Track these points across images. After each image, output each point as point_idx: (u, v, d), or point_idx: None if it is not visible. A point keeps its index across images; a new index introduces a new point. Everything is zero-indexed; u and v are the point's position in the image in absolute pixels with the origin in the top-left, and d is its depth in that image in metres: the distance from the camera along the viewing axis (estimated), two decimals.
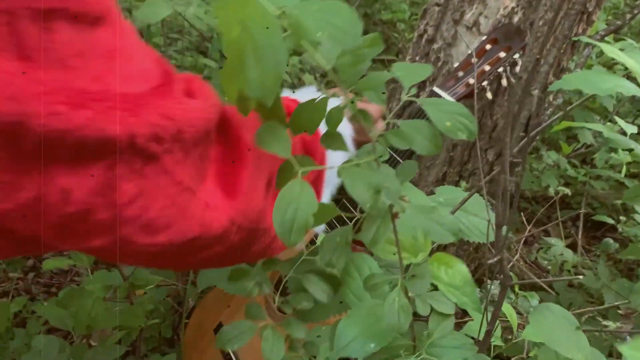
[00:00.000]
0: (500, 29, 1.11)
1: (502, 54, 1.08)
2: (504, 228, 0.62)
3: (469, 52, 1.13)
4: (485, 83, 1.08)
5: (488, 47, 1.10)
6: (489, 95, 1.12)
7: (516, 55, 1.08)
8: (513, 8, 1.13)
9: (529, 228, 1.60)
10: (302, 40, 0.41)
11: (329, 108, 0.50)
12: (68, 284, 1.64)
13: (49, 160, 0.38)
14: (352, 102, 0.49)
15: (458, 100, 1.08)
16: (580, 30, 1.19)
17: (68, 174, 0.40)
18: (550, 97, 1.29)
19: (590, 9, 1.16)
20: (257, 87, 0.40)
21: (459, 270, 0.68)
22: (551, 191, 1.33)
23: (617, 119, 0.77)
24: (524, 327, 0.97)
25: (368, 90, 0.51)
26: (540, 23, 1.14)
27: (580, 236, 1.61)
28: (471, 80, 1.08)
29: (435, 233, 0.56)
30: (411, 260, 0.66)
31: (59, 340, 1.08)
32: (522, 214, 1.79)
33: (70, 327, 1.07)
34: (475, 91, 1.08)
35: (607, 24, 1.89)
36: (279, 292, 0.83)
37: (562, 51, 1.20)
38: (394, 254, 0.61)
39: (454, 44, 1.22)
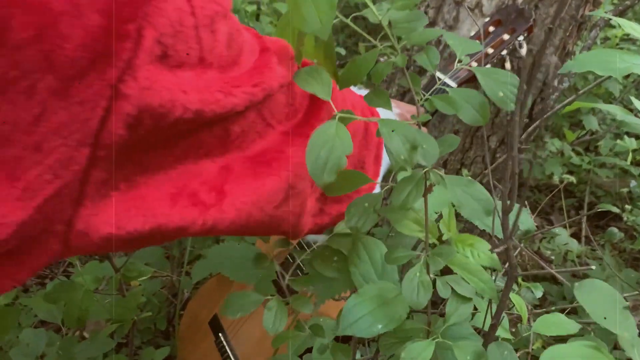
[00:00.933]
0: (504, 11, 1.07)
1: (506, 36, 1.04)
2: (511, 215, 0.59)
3: (471, 34, 1.09)
4: (488, 66, 1.04)
5: (491, 29, 1.06)
6: (508, 65, 1.08)
7: (520, 38, 1.04)
8: None
9: (532, 217, 1.57)
10: None
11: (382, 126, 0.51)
12: (62, 275, 1.61)
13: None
14: (403, 56, 0.52)
15: (460, 85, 1.04)
16: (587, 12, 1.15)
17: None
18: (555, 82, 1.25)
19: None
20: (314, 22, 0.45)
21: (486, 252, 0.65)
22: (555, 179, 1.29)
23: (633, 99, 0.73)
24: (528, 320, 0.94)
25: (420, 43, 0.54)
26: (546, 4, 1.10)
27: (584, 225, 1.57)
28: (474, 64, 1.04)
29: (470, 209, 0.53)
30: (433, 241, 0.62)
31: (49, 333, 1.05)
32: (525, 203, 1.76)
33: (59, 320, 1.04)
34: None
35: (615, 6, 1.84)
36: (290, 272, 0.80)
37: (567, 34, 1.15)
38: (418, 231, 0.58)
39: (456, 27, 1.17)
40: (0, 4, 0.32)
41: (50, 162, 0.37)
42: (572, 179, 1.21)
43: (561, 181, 1.29)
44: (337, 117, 0.49)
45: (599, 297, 0.53)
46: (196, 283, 1.32)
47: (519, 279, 1.14)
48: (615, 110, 0.73)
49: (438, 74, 1.06)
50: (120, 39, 0.37)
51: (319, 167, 0.46)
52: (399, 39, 0.54)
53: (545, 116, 0.82)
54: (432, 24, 1.22)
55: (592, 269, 0.60)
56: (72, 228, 0.41)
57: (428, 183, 0.54)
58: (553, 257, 1.57)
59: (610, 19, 1.10)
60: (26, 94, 0.34)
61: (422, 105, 0.56)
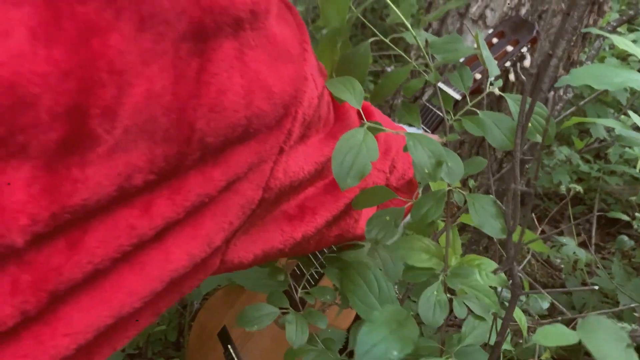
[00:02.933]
0: (507, 22, 1.07)
1: (510, 48, 1.05)
2: (516, 233, 0.59)
3: (475, 46, 1.10)
4: (492, 78, 1.04)
5: (495, 40, 1.06)
6: (497, 91, 1.08)
7: (524, 49, 1.04)
8: (520, 0, 1.09)
9: (540, 228, 1.56)
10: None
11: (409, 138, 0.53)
12: None
13: None
14: (436, 73, 0.56)
15: (470, 93, 1.04)
16: (591, 22, 1.15)
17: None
18: (561, 92, 1.25)
19: (601, 0, 1.12)
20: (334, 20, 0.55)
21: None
22: (562, 189, 1.29)
23: (631, 113, 0.74)
24: (534, 330, 0.94)
25: (454, 58, 0.58)
26: (549, 15, 1.10)
27: (594, 234, 1.56)
28: (477, 76, 1.04)
29: (490, 227, 0.54)
30: (438, 267, 0.63)
31: None
32: (533, 211, 1.75)
33: None
34: (483, 86, 1.04)
35: (620, 14, 1.84)
36: (301, 285, 0.81)
37: (572, 44, 1.16)
38: (426, 259, 0.59)
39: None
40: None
41: (243, 201, 0.48)
42: (579, 188, 1.21)
43: (568, 190, 1.28)
44: (365, 125, 0.51)
45: (602, 335, 0.53)
46: (205, 294, 1.33)
47: (526, 286, 1.14)
48: (614, 125, 0.73)
49: (441, 86, 1.07)
50: (289, 113, 0.49)
51: (344, 170, 0.48)
52: (433, 57, 0.56)
53: (545, 129, 0.82)
54: (436, 35, 1.23)
55: (594, 289, 0.60)
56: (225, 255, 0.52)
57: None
58: (563, 266, 1.56)
59: (615, 27, 1.10)
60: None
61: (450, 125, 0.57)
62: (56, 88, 0.33)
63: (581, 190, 1.24)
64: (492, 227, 0.53)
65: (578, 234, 1.81)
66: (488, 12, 1.13)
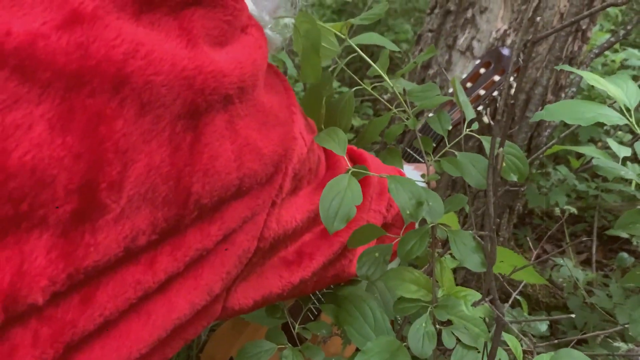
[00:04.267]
0: (493, 52, 1.11)
1: (497, 77, 1.08)
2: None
3: (463, 76, 1.13)
4: (481, 107, 1.08)
5: (482, 71, 1.10)
6: (486, 119, 1.12)
7: (511, 78, 1.08)
8: (505, 30, 1.13)
9: (541, 244, 1.58)
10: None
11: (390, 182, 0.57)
12: None
13: None
14: (414, 119, 0.60)
15: (455, 125, 1.08)
16: (576, 48, 1.19)
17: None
18: None
19: (584, 27, 1.16)
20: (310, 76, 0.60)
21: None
22: (556, 211, 1.31)
23: (609, 141, 0.77)
24: (531, 353, 0.96)
25: (430, 105, 0.61)
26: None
27: (594, 251, 1.58)
28: None
29: (471, 262, 0.57)
30: (427, 298, 0.66)
31: None
32: (534, 231, 1.77)
33: None
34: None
35: (612, 32, 1.88)
36: (299, 320, 0.84)
37: (559, 70, 1.19)
38: (415, 291, 0.62)
39: (449, 68, 1.22)
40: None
41: (239, 252, 0.52)
42: (574, 209, 1.23)
43: (563, 212, 1.31)
44: (349, 171, 0.55)
45: None
46: (213, 326, 1.36)
47: (525, 309, 1.16)
48: (591, 153, 0.76)
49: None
50: (280, 170, 0.54)
51: (331, 215, 0.52)
52: (412, 104, 0.60)
53: (532, 157, 0.85)
54: (426, 67, 1.27)
55: (571, 317, 0.63)
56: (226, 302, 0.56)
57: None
58: (565, 285, 1.57)
59: (598, 54, 1.13)
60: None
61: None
62: (70, 169, 0.38)
63: (575, 212, 1.26)
64: (473, 262, 0.56)
65: (580, 252, 1.82)
66: (475, 43, 1.17)
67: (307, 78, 0.59)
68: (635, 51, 1.68)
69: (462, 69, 1.19)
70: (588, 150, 0.79)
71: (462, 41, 1.18)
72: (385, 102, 0.59)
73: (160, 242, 0.46)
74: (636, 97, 0.68)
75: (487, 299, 0.59)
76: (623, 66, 1.77)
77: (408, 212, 0.52)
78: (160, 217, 0.44)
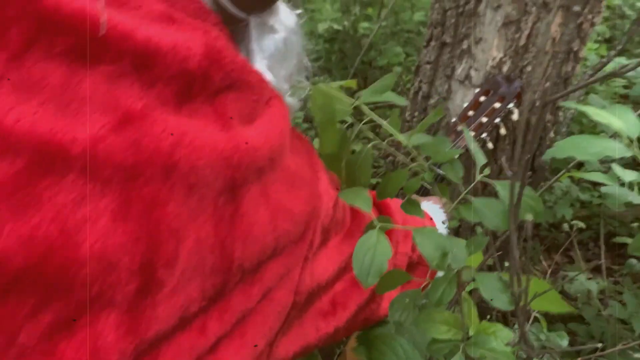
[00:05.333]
0: (492, 80, 1.15)
1: (497, 105, 1.12)
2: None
3: (464, 105, 1.17)
4: (484, 135, 1.11)
5: (482, 99, 1.14)
6: (490, 145, 1.15)
7: (510, 105, 1.12)
8: (501, 58, 1.17)
9: (556, 259, 1.61)
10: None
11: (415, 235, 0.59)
12: None
13: None
14: (430, 173, 0.64)
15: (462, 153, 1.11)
16: (569, 69, 1.23)
17: None
18: (552, 134, 1.32)
19: (575, 48, 1.20)
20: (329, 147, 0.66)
21: (507, 337, 0.70)
22: (565, 227, 1.34)
23: (614, 167, 0.80)
24: None
25: (442, 159, 0.64)
26: (529, 69, 1.18)
27: (603, 260, 1.61)
28: (471, 133, 1.12)
29: (499, 301, 0.60)
30: (457, 336, 0.69)
31: None
32: (542, 243, 1.80)
33: None
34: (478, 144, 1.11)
35: (605, 40, 1.93)
36: None
37: (555, 91, 1.23)
38: (446, 331, 0.65)
39: (449, 98, 1.26)
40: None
41: (279, 307, 0.56)
42: (582, 224, 1.26)
43: (571, 227, 1.34)
44: (377, 226, 0.57)
45: None
46: None
47: (544, 326, 1.18)
48: (600, 179, 0.79)
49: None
50: (309, 227, 0.58)
51: (364, 271, 0.54)
52: (428, 157, 0.64)
53: (548, 184, 0.88)
54: (426, 97, 1.31)
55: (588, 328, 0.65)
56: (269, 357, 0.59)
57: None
58: (579, 295, 1.60)
59: (592, 75, 1.17)
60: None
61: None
62: (131, 251, 0.42)
63: (583, 226, 1.29)
64: (501, 301, 0.59)
65: (589, 260, 1.85)
66: (473, 72, 1.21)
67: (327, 148, 0.62)
68: (623, 59, 1.73)
69: (462, 97, 1.23)
70: (597, 176, 0.82)
71: (460, 71, 1.22)
72: (402, 156, 0.63)
73: (208, 308, 0.49)
74: (637, 128, 0.72)
75: (520, 339, 0.61)
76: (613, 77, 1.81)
77: (435, 263, 0.55)
78: (208, 285, 0.48)
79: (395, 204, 0.74)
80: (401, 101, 0.65)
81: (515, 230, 0.55)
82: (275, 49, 0.61)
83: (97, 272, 0.41)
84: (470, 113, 1.14)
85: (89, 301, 0.41)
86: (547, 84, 1.21)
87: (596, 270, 1.76)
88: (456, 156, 0.69)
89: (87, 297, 0.41)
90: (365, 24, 2.51)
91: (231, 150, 0.47)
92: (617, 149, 0.69)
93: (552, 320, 1.53)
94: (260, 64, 0.59)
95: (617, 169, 0.85)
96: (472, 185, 0.63)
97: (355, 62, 2.03)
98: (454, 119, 1.16)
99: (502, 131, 1.14)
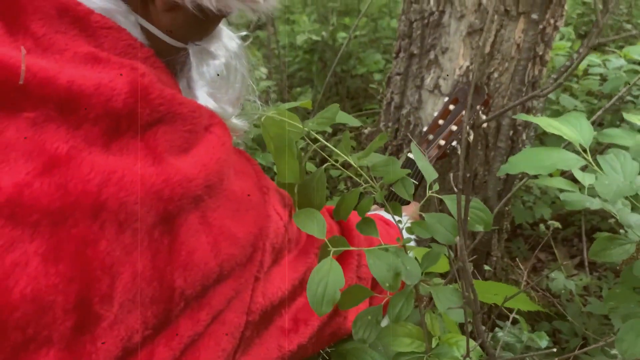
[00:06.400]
0: (460, 89, 1.18)
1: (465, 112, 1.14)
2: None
3: (434, 114, 1.20)
4: (455, 143, 1.14)
5: (451, 107, 1.16)
6: (459, 148, 1.18)
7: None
8: (468, 67, 1.20)
9: (535, 254, 1.63)
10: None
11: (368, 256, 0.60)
12: None
13: None
14: (381, 193, 0.65)
15: (432, 162, 1.13)
16: (536, 72, 1.26)
17: None
18: (524, 136, 1.34)
19: (540, 52, 1.22)
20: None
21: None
22: (542, 228, 1.36)
23: (574, 171, 0.82)
24: None
25: (392, 179, 0.66)
26: (496, 75, 1.20)
27: (585, 255, 1.63)
28: (442, 142, 1.14)
29: (456, 314, 0.62)
30: (421, 348, 0.70)
31: None
32: (527, 241, 1.83)
33: None
34: (447, 151, 1.14)
35: (580, 34, 1.96)
36: None
37: (523, 94, 1.26)
38: (409, 344, 0.67)
39: (420, 107, 1.28)
40: None
41: (231, 329, 0.57)
42: (557, 224, 1.29)
43: (548, 227, 1.36)
44: (330, 253, 0.58)
45: None
46: None
47: (525, 327, 1.20)
48: (559, 185, 0.82)
49: (411, 156, 1.16)
50: (258, 248, 0.59)
51: (318, 300, 0.55)
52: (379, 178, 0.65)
53: (513, 191, 0.90)
54: (399, 107, 1.33)
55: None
56: None
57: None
58: (563, 291, 1.62)
59: (556, 79, 1.20)
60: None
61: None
62: (65, 291, 0.44)
63: (559, 226, 1.31)
64: (457, 313, 0.61)
65: (574, 256, 1.87)
66: (441, 82, 1.23)
67: (285, 178, 0.64)
68: (594, 57, 1.76)
69: (432, 106, 1.26)
70: (557, 181, 0.84)
71: (429, 81, 1.25)
72: (355, 177, 0.65)
73: (155, 336, 0.50)
74: (590, 136, 0.74)
75: (477, 343, 0.63)
76: (586, 74, 1.84)
77: (388, 285, 0.57)
78: (149, 315, 0.49)
79: (356, 217, 0.76)
80: (355, 122, 0.66)
81: (465, 244, 0.57)
82: (216, 75, 0.62)
83: (30, 314, 0.42)
84: (441, 122, 1.16)
85: (23, 343, 0.42)
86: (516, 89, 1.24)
87: (581, 265, 1.79)
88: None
89: (22, 338, 0.42)
90: (343, 34, 2.54)
91: (162, 184, 0.48)
92: (570, 160, 0.71)
93: (537, 319, 1.54)
94: (201, 91, 0.61)
95: (577, 173, 0.87)
96: (424, 200, 0.65)
97: (331, 72, 2.05)
98: (425, 127, 1.18)
99: (471, 137, 1.17)
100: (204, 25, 0.60)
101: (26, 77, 0.44)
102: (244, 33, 0.68)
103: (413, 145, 0.65)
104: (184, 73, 0.62)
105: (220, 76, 0.62)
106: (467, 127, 1.14)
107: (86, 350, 0.45)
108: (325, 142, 0.63)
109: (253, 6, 0.57)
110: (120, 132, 0.48)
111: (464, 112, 1.14)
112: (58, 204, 0.43)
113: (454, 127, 1.14)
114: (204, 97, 0.60)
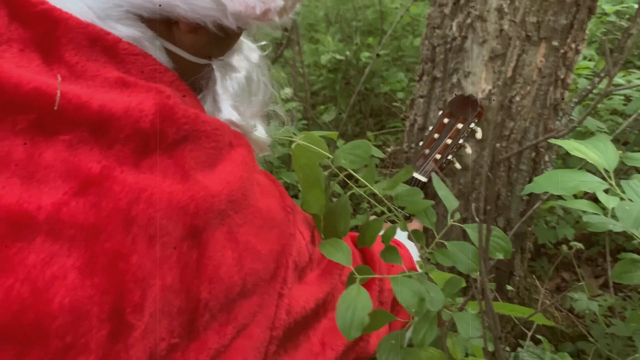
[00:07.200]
0: (453, 102, 1.18)
1: (460, 125, 1.15)
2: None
3: (429, 128, 1.20)
4: (450, 156, 1.15)
5: (446, 121, 1.17)
6: (458, 165, 1.19)
7: (472, 125, 1.14)
8: (490, 90, 1.22)
9: (558, 274, 1.63)
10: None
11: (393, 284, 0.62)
12: None
13: None
14: (404, 222, 0.67)
15: (430, 177, 1.14)
16: (558, 95, 1.27)
17: None
18: (547, 157, 1.36)
19: (562, 76, 1.24)
20: (315, 207, 0.69)
21: None
22: (564, 249, 1.37)
23: (598, 194, 0.84)
24: None
25: (416, 210, 0.67)
26: (518, 98, 1.23)
27: (610, 275, 1.62)
28: (437, 156, 1.15)
29: (478, 340, 0.64)
30: None
31: None
32: (550, 261, 1.82)
33: None
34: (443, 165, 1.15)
35: (599, 53, 1.96)
36: None
37: (546, 117, 1.28)
38: None
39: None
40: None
41: (256, 343, 0.60)
42: (580, 245, 1.29)
43: (570, 248, 1.37)
44: (357, 280, 0.61)
45: None
46: None
47: (548, 348, 1.20)
48: (582, 207, 0.83)
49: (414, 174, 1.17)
50: (281, 264, 0.63)
51: (347, 325, 0.57)
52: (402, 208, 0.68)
53: (532, 209, 0.92)
54: (422, 129, 1.35)
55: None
56: None
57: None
58: (587, 312, 1.62)
59: (578, 102, 1.22)
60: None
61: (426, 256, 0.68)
62: (100, 302, 0.48)
63: (582, 247, 1.32)
64: (477, 340, 0.63)
65: (598, 276, 1.86)
66: None
67: (311, 209, 0.67)
68: (618, 78, 1.76)
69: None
70: (580, 203, 0.86)
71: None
72: (376, 204, 0.68)
73: (183, 347, 0.54)
74: (615, 160, 0.76)
75: None
76: (611, 93, 1.84)
77: (413, 310, 0.59)
78: (176, 325, 0.53)
79: (377, 246, 0.78)
80: (379, 154, 0.69)
81: (487, 272, 0.60)
82: (239, 87, 0.65)
83: (69, 323, 0.46)
84: (436, 136, 1.17)
85: (63, 349, 0.46)
86: (538, 111, 1.26)
87: (605, 285, 1.78)
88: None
89: (62, 345, 0.46)
90: (366, 53, 2.58)
91: (187, 200, 0.52)
92: (593, 183, 0.73)
93: (561, 340, 1.54)
94: (225, 104, 0.64)
95: (601, 195, 0.89)
96: (445, 229, 0.67)
97: (357, 91, 2.09)
98: (421, 143, 1.20)
99: (468, 150, 1.18)
100: (225, 42, 0.63)
101: (62, 102, 0.48)
102: (264, 42, 0.72)
103: (434, 175, 0.68)
104: (209, 88, 0.66)
105: (242, 89, 0.65)
106: (462, 141, 1.15)
107: (120, 357, 0.49)
108: (353, 172, 0.66)
109: (270, 22, 0.61)
110: (149, 150, 0.52)
111: (458, 125, 1.15)
112: (92, 220, 0.47)
113: (449, 141, 1.15)
114: (228, 110, 0.64)
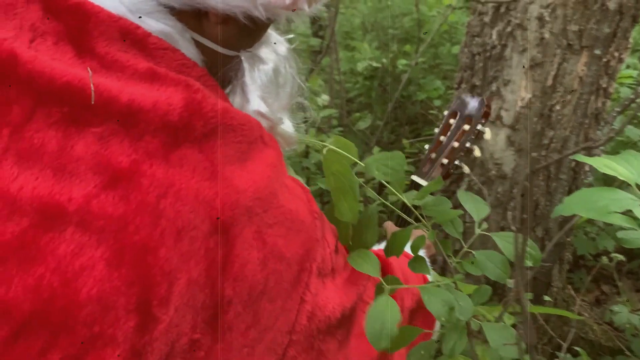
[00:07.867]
0: (458, 102, 1.12)
1: (466, 127, 1.08)
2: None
3: (435, 130, 1.15)
4: (457, 161, 1.10)
5: (451, 121, 1.09)
6: (466, 169, 1.15)
7: (479, 126, 1.09)
8: (530, 98, 1.22)
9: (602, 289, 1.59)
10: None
11: (423, 294, 0.63)
12: None
13: None
14: (433, 232, 0.67)
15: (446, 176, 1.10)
16: (600, 104, 1.26)
17: None
18: (587, 167, 1.34)
19: (604, 85, 1.23)
20: (347, 215, 0.69)
21: None
22: (604, 259, 1.35)
23: (635, 210, 0.82)
24: None
25: (444, 219, 0.67)
26: (558, 107, 1.22)
27: None
28: (444, 161, 1.10)
29: (509, 351, 0.63)
30: None
31: None
32: (589, 273, 1.79)
33: None
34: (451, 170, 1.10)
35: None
36: None
37: (586, 126, 1.26)
38: None
39: (480, 137, 1.30)
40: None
41: (274, 346, 0.59)
42: (621, 257, 1.27)
43: (610, 259, 1.34)
44: (386, 291, 0.61)
45: None
46: None
47: (585, 359, 1.18)
48: (618, 222, 0.82)
49: (414, 178, 1.13)
50: (304, 269, 0.62)
51: (376, 336, 0.58)
52: (430, 217, 0.68)
53: (568, 225, 0.91)
54: None
55: None
56: None
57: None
58: (628, 325, 1.58)
59: (621, 112, 1.20)
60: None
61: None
62: (127, 293, 0.48)
63: (624, 259, 1.30)
64: (510, 350, 0.63)
65: (637, 290, 1.82)
66: (503, 113, 1.25)
67: (344, 217, 0.67)
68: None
69: (493, 136, 1.28)
70: (615, 218, 0.84)
71: (490, 112, 1.27)
72: (403, 215, 0.68)
73: (207, 346, 0.54)
74: None
75: None
76: None
77: (444, 319, 0.59)
78: (199, 320, 0.53)
79: (397, 262, 0.78)
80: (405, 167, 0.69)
81: (523, 281, 0.60)
82: (267, 79, 0.65)
83: (96, 313, 0.47)
84: (442, 138, 1.11)
85: (91, 338, 0.47)
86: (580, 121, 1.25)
87: None
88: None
89: (89, 334, 0.47)
90: (403, 61, 2.58)
91: (213, 195, 0.52)
92: (624, 201, 0.72)
93: (600, 353, 1.51)
94: (253, 95, 0.64)
95: (637, 211, 0.87)
96: (473, 238, 0.67)
97: (394, 100, 2.09)
98: (426, 146, 1.15)
99: (477, 153, 1.12)
100: (254, 33, 0.63)
101: (93, 95, 0.50)
102: (291, 36, 0.72)
103: (461, 191, 0.68)
104: (238, 79, 0.66)
105: (270, 81, 0.65)
106: (469, 144, 1.10)
107: (146, 350, 0.49)
108: (384, 182, 0.66)
109: (299, 12, 0.61)
110: (179, 142, 0.52)
111: (465, 127, 1.09)
112: (121, 212, 0.48)
113: (456, 144, 1.09)
114: (256, 101, 0.64)
